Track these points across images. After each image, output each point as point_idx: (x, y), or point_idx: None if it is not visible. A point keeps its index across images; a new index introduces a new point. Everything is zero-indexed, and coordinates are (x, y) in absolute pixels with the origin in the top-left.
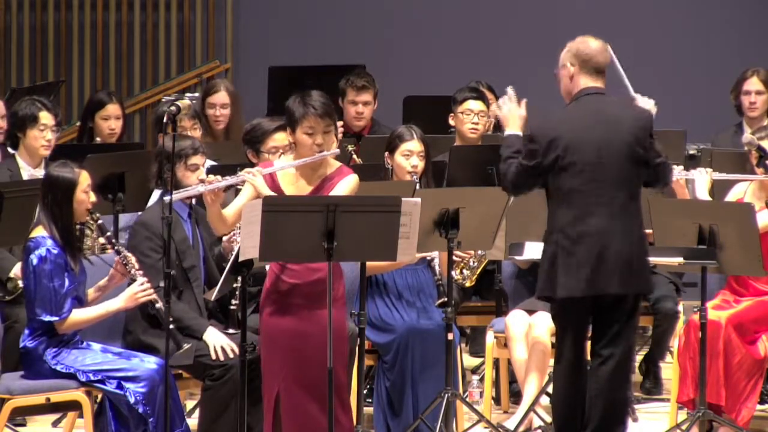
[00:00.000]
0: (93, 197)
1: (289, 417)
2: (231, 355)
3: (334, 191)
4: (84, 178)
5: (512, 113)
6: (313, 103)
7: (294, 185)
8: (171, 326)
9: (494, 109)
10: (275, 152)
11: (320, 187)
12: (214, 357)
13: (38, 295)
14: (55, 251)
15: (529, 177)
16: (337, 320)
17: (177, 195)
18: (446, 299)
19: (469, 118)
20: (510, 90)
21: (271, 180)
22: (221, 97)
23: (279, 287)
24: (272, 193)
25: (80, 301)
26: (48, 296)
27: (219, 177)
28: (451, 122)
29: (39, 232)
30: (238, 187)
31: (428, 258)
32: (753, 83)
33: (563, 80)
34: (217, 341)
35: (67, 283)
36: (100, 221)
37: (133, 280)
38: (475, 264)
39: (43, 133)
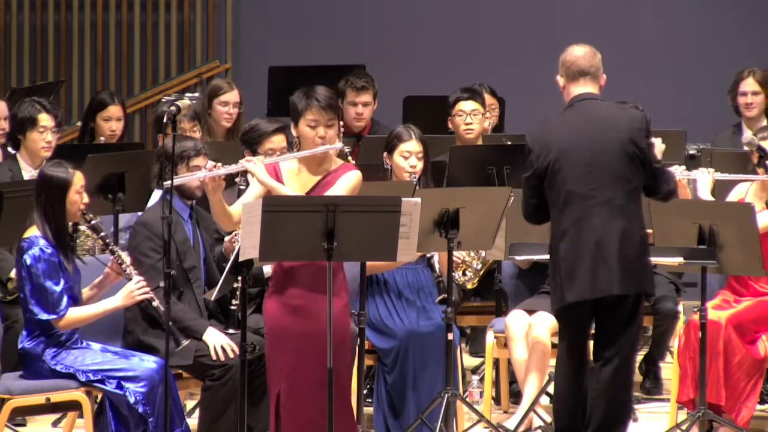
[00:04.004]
0: (86, 198)
1: (289, 416)
2: (231, 355)
3: (336, 184)
4: (78, 179)
5: None
6: (317, 96)
7: (297, 177)
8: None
9: None
10: (272, 154)
11: (322, 181)
12: (214, 357)
13: (35, 295)
14: (48, 250)
15: (533, 189)
16: (338, 318)
17: (177, 180)
18: (446, 295)
19: (462, 119)
20: None
21: (275, 172)
22: (235, 95)
23: (279, 284)
24: (274, 181)
25: (75, 301)
26: (44, 295)
27: (220, 164)
28: (450, 125)
29: (32, 231)
30: (241, 187)
31: (428, 255)
32: (749, 84)
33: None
34: (217, 341)
35: (62, 281)
36: (93, 221)
37: (129, 279)
38: (479, 266)
39: (43, 135)
